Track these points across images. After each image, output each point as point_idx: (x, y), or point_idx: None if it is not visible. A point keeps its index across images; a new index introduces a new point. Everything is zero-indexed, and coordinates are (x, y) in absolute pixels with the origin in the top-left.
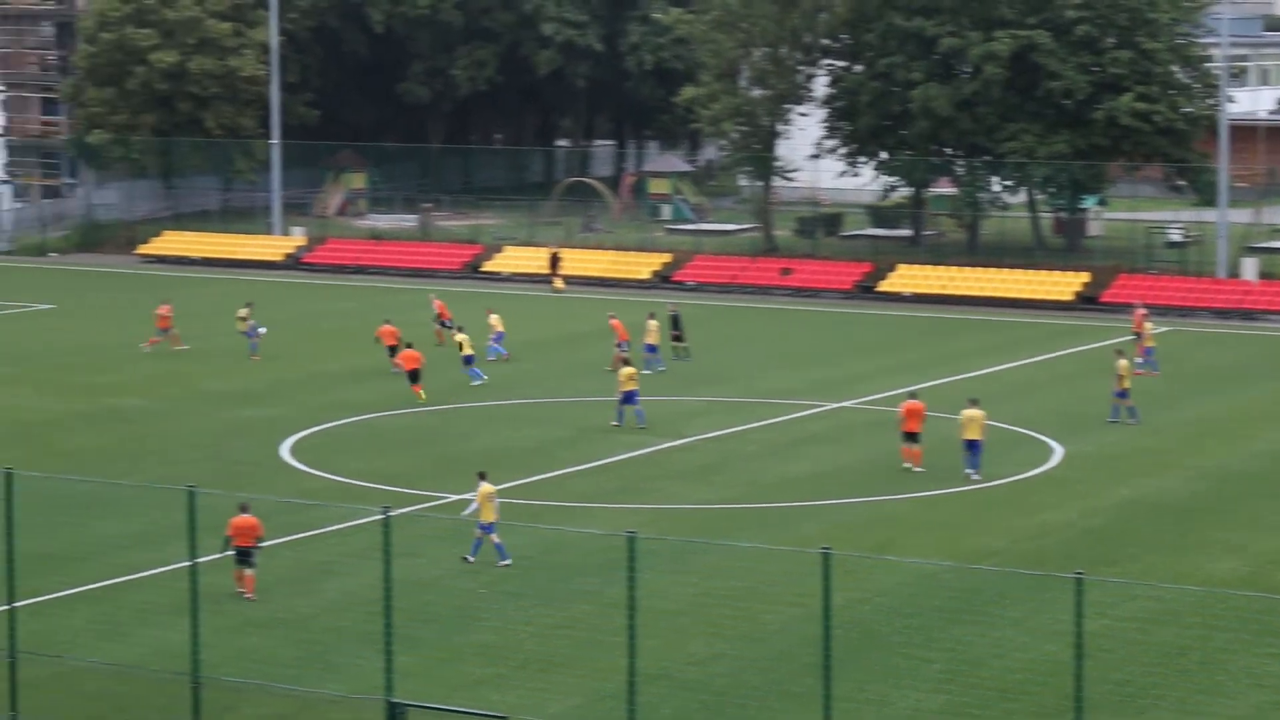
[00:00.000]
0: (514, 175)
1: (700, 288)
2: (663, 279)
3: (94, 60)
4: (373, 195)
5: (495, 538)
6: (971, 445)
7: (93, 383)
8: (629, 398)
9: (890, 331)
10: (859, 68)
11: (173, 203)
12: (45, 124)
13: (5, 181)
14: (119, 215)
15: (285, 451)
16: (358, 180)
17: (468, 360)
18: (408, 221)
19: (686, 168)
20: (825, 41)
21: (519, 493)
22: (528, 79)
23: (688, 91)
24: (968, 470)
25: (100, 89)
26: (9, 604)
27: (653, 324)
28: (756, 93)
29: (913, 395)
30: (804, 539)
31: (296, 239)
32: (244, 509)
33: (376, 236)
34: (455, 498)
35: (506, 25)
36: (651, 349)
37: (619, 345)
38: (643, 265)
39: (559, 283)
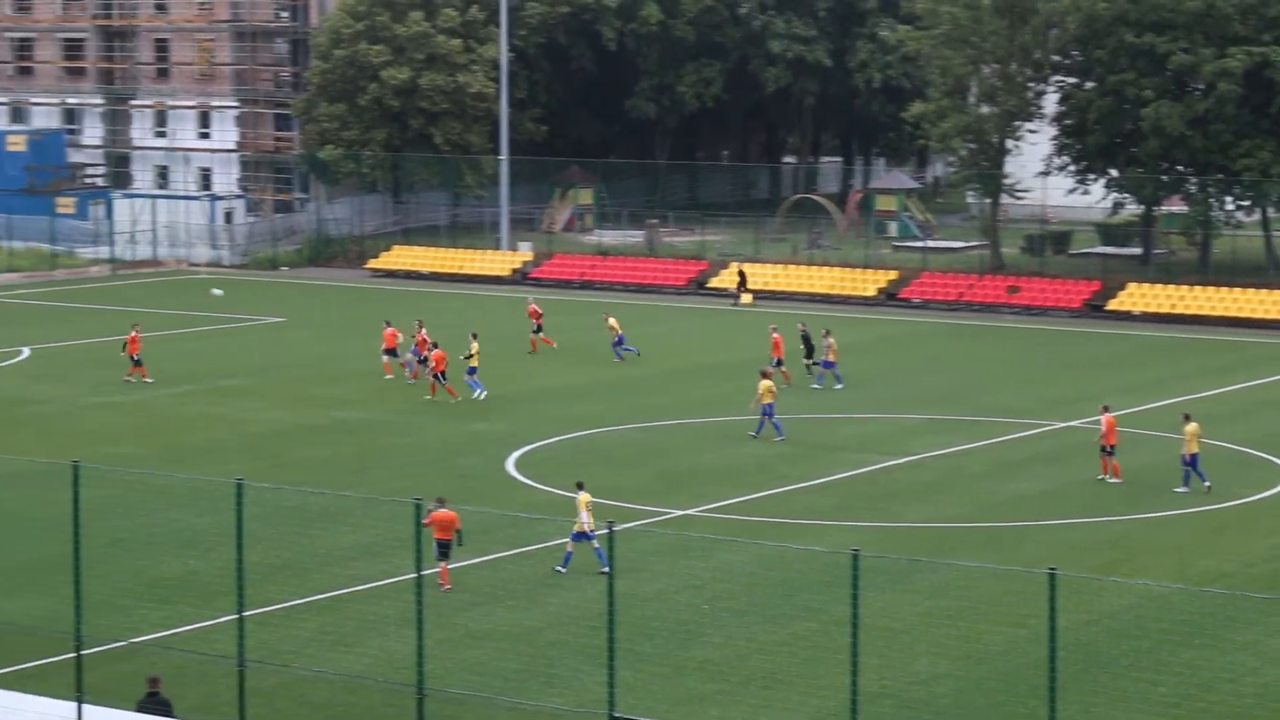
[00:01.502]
0: (740, 192)
1: (926, 305)
2: (889, 296)
3: (327, 76)
4: (599, 211)
5: (595, 544)
6: (1193, 459)
7: (322, 395)
8: (767, 410)
9: (1119, 350)
10: (1089, 84)
11: (402, 218)
12: (278, 139)
13: (239, 196)
14: (349, 230)
15: (511, 466)
16: (585, 196)
17: (470, 371)
18: (634, 237)
19: (914, 184)
20: (1055, 58)
21: (743, 509)
22: (755, 95)
23: (916, 108)
24: (1205, 484)
25: (332, 105)
26: (238, 613)
27: (830, 341)
28: (985, 109)
29: (1106, 409)
30: (1030, 559)
31: (524, 254)
32: (442, 502)
33: (602, 252)
34: (679, 513)
35: (734, 42)
36: (828, 365)
37: (774, 360)
38: (869, 282)
39: (746, 298)
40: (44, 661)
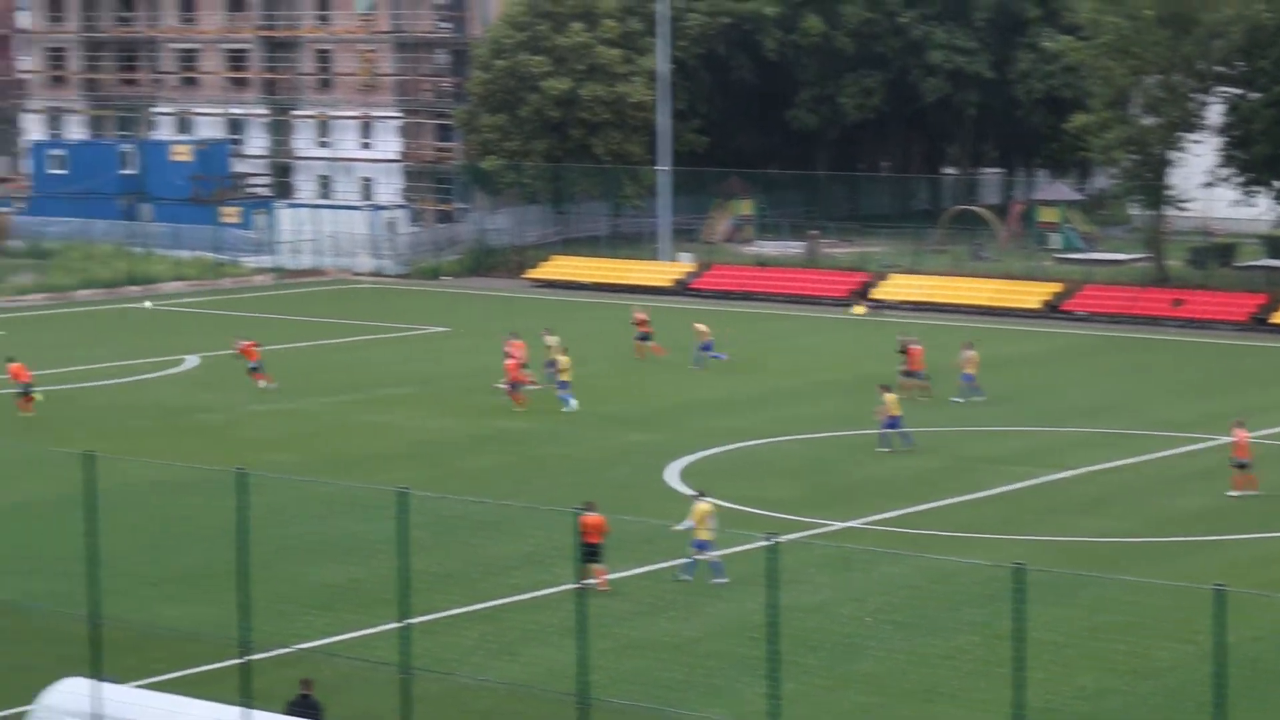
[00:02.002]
0: (900, 203)
1: (1090, 318)
2: (1051, 309)
3: (488, 87)
4: (759, 222)
5: (712, 555)
6: None
7: (484, 405)
8: (893, 423)
9: None
10: (1254, 95)
11: (562, 228)
12: (439, 150)
13: (401, 206)
14: (509, 240)
15: (670, 476)
16: (745, 207)
17: (562, 385)
18: (794, 248)
19: (1076, 196)
20: (1219, 68)
21: (904, 522)
22: (915, 106)
23: (1078, 119)
24: None
25: (493, 115)
26: (402, 620)
27: (971, 354)
28: (1148, 121)
29: (1240, 423)
30: (1197, 574)
31: (684, 265)
32: (590, 507)
33: (762, 263)
34: (840, 525)
35: (895, 52)
36: (969, 379)
37: (908, 373)
38: (1030, 294)
39: (859, 309)
40: (211, 667)
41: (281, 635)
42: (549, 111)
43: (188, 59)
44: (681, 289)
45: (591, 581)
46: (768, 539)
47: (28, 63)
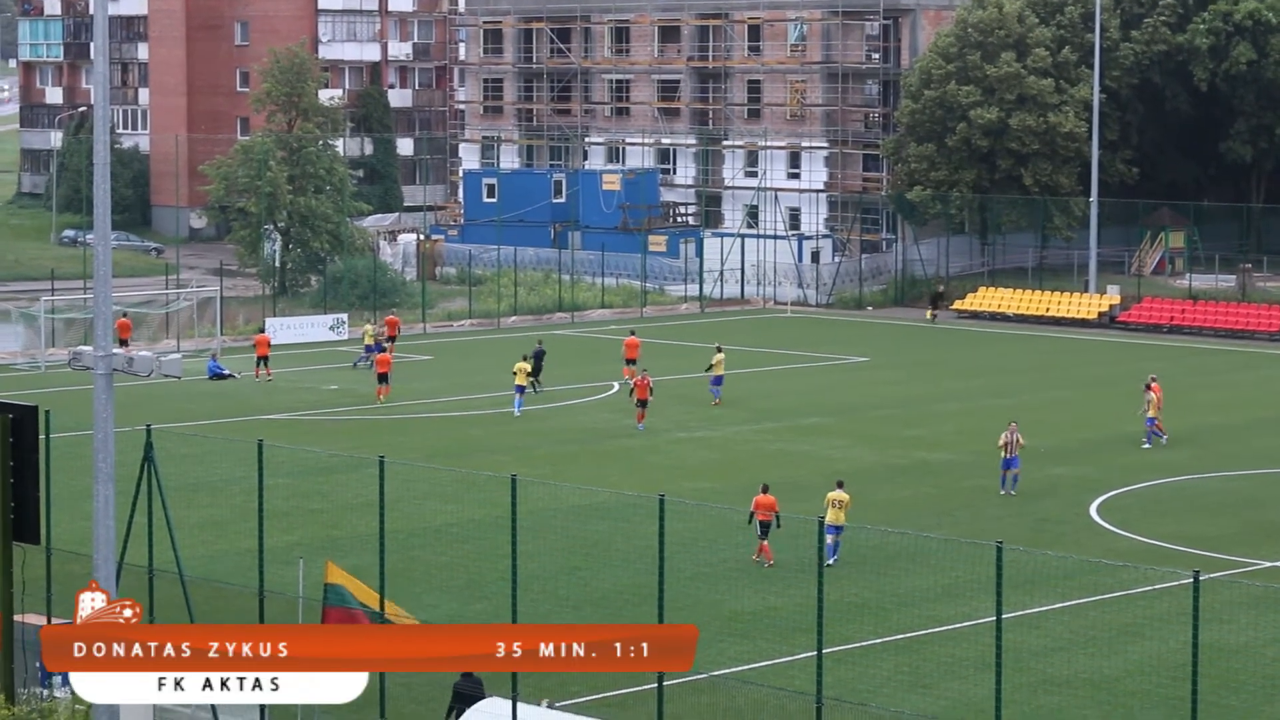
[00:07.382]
0: None
1: None
2: None
3: (916, 117)
4: (1190, 254)
5: (831, 538)
6: None
7: (905, 435)
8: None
9: None
10: None
11: (988, 259)
12: (866, 180)
13: (826, 235)
14: (934, 270)
15: (1093, 511)
16: (1175, 239)
17: (519, 389)
18: (1225, 281)
19: None
20: None
21: None
22: None
23: None
24: None
25: (921, 145)
26: (817, 650)
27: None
28: None
29: None
30: None
31: (1111, 297)
32: (765, 489)
33: (1193, 296)
34: (1269, 564)
35: None
36: (1151, 422)
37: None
38: None
39: None
40: (627, 691)
41: (697, 662)
42: (977, 141)
43: (620, 89)
44: (1108, 322)
45: (759, 558)
46: (1191, 576)
47: (464, 93)
